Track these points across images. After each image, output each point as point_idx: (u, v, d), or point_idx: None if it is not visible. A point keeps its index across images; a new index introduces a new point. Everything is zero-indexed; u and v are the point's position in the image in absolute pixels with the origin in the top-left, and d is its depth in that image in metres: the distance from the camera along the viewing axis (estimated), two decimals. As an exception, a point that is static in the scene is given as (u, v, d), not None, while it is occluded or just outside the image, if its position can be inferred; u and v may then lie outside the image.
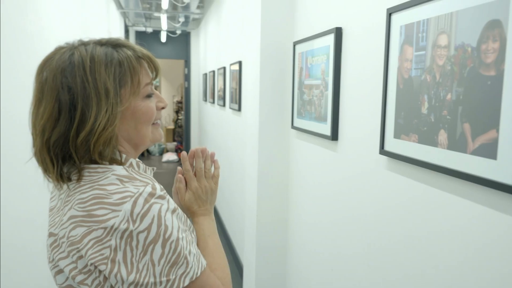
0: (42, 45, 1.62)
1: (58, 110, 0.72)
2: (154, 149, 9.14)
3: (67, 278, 0.73)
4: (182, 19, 6.07)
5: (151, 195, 0.71)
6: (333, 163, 1.71)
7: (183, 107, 8.50)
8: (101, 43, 0.78)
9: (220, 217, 4.68)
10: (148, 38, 7.21)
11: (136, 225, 0.68)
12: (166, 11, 5.55)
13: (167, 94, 10.34)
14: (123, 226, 0.68)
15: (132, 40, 7.01)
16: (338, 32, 1.60)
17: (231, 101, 3.76)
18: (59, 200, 0.77)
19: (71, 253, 0.71)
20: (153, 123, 0.84)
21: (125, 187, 0.71)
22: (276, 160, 2.24)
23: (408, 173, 1.20)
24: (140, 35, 7.12)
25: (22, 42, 1.33)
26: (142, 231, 0.69)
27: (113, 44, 0.78)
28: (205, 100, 6.01)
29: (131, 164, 0.80)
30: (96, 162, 0.75)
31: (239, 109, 3.41)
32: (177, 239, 0.72)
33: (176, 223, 0.73)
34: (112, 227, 0.68)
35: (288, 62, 2.17)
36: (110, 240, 0.68)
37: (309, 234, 2.00)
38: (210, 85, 5.41)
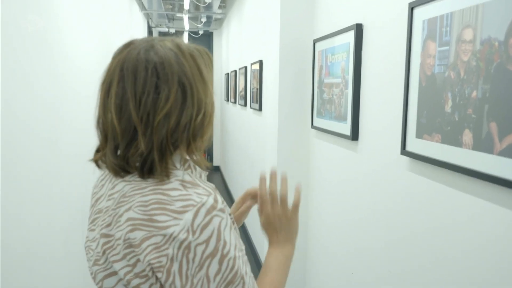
0: (49, 45, 1.63)
1: (183, 95, 0.71)
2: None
3: (119, 280, 0.72)
4: (204, 19, 6.08)
5: (213, 207, 0.69)
6: (354, 164, 1.66)
7: (205, 107, 8.53)
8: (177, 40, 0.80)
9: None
10: (171, 38, 7.27)
11: (196, 236, 0.66)
12: (188, 11, 5.58)
13: (190, 94, 10.41)
14: (182, 236, 0.66)
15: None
16: (358, 29, 1.55)
17: (252, 100, 3.74)
18: (110, 200, 0.76)
19: (127, 255, 0.69)
20: None
21: (188, 194, 0.69)
22: (295, 160, 2.21)
23: (431, 175, 1.14)
24: (163, 36, 7.20)
25: (22, 43, 1.33)
26: (201, 244, 0.66)
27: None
28: (227, 100, 6.01)
29: (189, 166, 0.77)
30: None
31: (260, 109, 3.38)
32: (235, 257, 0.70)
33: (234, 240, 0.71)
34: (171, 235, 0.66)
35: (308, 60, 2.13)
36: (168, 248, 0.66)
37: (329, 235, 1.96)
38: (231, 85, 5.41)
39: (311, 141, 2.17)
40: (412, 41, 1.18)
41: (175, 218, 0.66)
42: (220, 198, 0.72)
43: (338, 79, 1.74)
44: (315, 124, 2.04)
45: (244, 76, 4.19)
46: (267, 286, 0.82)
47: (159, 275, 0.68)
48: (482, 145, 0.92)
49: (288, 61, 2.13)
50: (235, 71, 4.99)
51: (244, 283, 0.70)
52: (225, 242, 0.68)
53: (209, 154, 7.64)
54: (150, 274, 0.69)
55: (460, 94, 0.99)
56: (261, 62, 3.31)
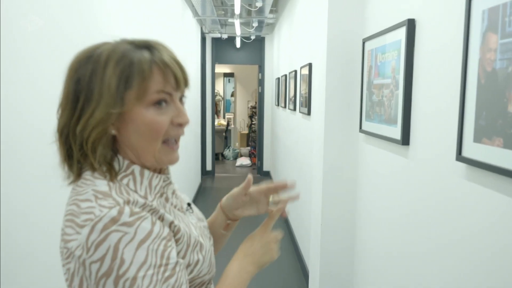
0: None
1: (66, 100, 0.71)
2: (228, 153, 9.29)
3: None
4: (255, 24, 6.09)
5: (113, 221, 0.63)
6: (404, 170, 1.54)
7: (256, 112, 8.54)
8: (131, 41, 0.73)
9: (289, 223, 4.57)
10: (224, 44, 7.34)
11: (90, 254, 0.63)
12: (240, 16, 5.61)
13: (241, 99, 10.49)
14: (78, 252, 0.64)
15: (208, 46, 7.18)
16: (410, 24, 1.44)
17: (301, 105, 3.66)
18: None
19: (63, 262, 0.70)
20: (164, 141, 0.73)
21: (93, 206, 0.65)
22: (342, 165, 2.10)
23: (491, 184, 1.01)
24: (216, 41, 7.28)
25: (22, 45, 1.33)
26: (95, 262, 0.63)
27: (140, 44, 0.72)
28: (277, 105, 5.97)
29: (132, 172, 0.73)
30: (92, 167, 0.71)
31: (309, 113, 3.29)
32: (134, 277, 0.62)
33: (140, 257, 0.63)
34: (70, 249, 0.65)
35: (356, 61, 2.02)
36: (70, 262, 0.65)
37: (376, 245, 1.83)
38: (282, 89, 5.35)
39: (359, 146, 2.06)
40: (469, 34, 1.06)
41: (77, 233, 0.64)
42: (128, 210, 0.64)
43: (388, 80, 1.62)
44: (363, 128, 1.93)
45: (294, 80, 4.12)
46: None
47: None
48: (553, 150, 0.79)
49: (336, 62, 2.04)
50: (286, 75, 4.94)
51: None
52: (122, 261, 0.62)
53: (259, 159, 7.62)
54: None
55: (526, 92, 0.87)
56: (310, 65, 3.23)
